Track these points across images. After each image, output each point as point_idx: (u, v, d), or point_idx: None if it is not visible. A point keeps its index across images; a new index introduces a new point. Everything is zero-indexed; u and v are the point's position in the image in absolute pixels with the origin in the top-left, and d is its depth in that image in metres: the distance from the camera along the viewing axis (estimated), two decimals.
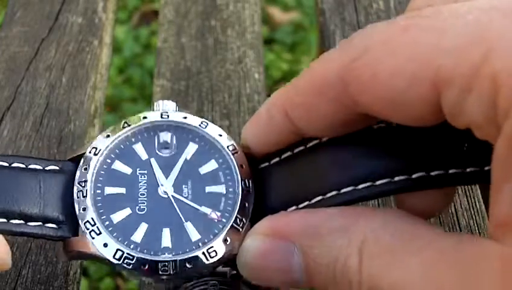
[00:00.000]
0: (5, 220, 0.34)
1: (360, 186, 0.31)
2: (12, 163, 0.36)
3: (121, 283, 1.05)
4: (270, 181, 0.35)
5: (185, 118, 0.37)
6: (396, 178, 0.30)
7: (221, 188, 0.36)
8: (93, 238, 0.34)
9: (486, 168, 0.30)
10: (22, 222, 0.35)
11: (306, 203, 0.32)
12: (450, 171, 0.30)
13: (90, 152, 0.36)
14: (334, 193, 0.31)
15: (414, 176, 0.30)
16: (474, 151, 0.30)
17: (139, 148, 0.37)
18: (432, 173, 0.30)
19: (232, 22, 0.63)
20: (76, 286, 0.45)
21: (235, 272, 0.42)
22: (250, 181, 0.35)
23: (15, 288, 0.44)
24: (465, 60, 0.25)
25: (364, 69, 0.28)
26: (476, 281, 0.24)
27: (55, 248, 0.46)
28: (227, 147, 0.36)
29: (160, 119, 0.37)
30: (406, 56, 0.27)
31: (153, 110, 0.38)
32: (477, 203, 0.47)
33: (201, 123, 0.37)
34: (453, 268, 0.25)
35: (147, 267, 0.34)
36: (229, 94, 0.57)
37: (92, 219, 0.34)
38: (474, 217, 0.46)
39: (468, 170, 0.30)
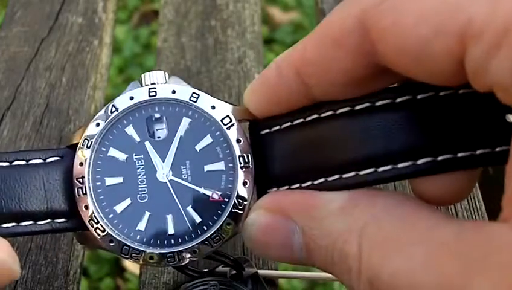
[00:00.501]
0: (14, 223, 0.35)
1: (363, 172, 0.30)
2: (13, 161, 0.36)
3: (121, 283, 1.05)
4: (272, 150, 0.34)
5: (174, 92, 0.36)
6: (400, 165, 0.30)
7: (220, 165, 0.35)
8: (98, 235, 0.34)
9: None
10: (31, 222, 0.35)
11: (309, 183, 0.32)
12: (478, 151, 0.29)
13: (83, 144, 0.35)
14: (336, 176, 0.31)
15: (420, 161, 0.29)
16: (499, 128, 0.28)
17: (131, 131, 0.36)
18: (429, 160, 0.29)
19: (232, 22, 0.63)
20: (76, 286, 0.45)
21: (235, 272, 0.42)
22: (250, 155, 0.34)
23: (15, 288, 0.44)
24: (498, 13, 0.24)
25: (387, 14, 0.26)
26: (482, 271, 0.23)
27: (55, 248, 0.46)
28: (222, 120, 0.35)
29: (148, 97, 0.35)
30: (434, 3, 0.25)
31: (141, 85, 0.36)
32: (477, 203, 0.47)
33: (192, 96, 0.36)
34: (457, 259, 0.24)
35: (154, 259, 0.34)
36: (229, 94, 0.57)
37: (95, 216, 0.34)
38: (474, 217, 0.46)
39: (497, 149, 0.29)
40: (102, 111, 0.36)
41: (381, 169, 0.30)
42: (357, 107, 0.31)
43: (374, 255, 0.27)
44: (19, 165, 0.35)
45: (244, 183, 0.34)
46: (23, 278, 0.44)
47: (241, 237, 0.46)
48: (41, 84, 0.57)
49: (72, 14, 0.63)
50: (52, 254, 0.46)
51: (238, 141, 0.35)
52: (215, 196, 0.35)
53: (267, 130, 0.34)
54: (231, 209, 0.34)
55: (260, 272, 0.43)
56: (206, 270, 0.42)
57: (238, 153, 0.35)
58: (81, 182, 0.35)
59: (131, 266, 1.03)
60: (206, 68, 0.59)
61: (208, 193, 0.35)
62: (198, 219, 0.35)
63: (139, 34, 1.40)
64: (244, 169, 0.34)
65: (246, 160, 0.34)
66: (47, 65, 0.59)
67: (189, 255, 0.34)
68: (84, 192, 0.35)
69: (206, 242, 0.34)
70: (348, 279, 0.28)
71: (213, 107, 0.35)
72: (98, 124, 0.35)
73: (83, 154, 0.35)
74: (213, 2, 0.65)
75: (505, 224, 0.24)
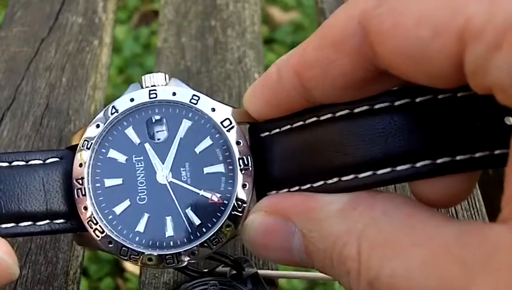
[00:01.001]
0: (14, 224, 0.35)
1: (362, 174, 0.30)
2: (12, 162, 0.36)
3: (121, 283, 1.05)
4: (271, 152, 0.34)
5: (174, 94, 0.36)
6: (399, 168, 0.30)
7: (220, 167, 0.35)
8: (97, 236, 0.34)
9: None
10: (30, 223, 0.35)
11: (309, 185, 0.32)
12: (477, 154, 0.29)
13: (83, 145, 0.35)
14: (335, 179, 0.31)
15: (419, 164, 0.29)
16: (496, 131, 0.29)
17: (131, 132, 0.36)
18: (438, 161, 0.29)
19: (232, 22, 0.63)
20: (76, 286, 0.45)
21: (235, 272, 0.42)
22: (249, 158, 0.35)
23: (15, 288, 0.44)
24: (497, 13, 0.23)
25: (386, 17, 0.26)
26: (482, 273, 0.23)
27: (55, 248, 0.46)
28: (222, 122, 0.35)
29: (148, 99, 0.36)
30: (433, 4, 0.25)
31: (142, 87, 0.36)
32: (477, 203, 0.47)
33: (192, 98, 0.36)
34: (457, 261, 0.24)
35: (153, 261, 0.34)
36: (229, 94, 0.57)
37: (94, 217, 0.34)
38: (474, 217, 0.46)
39: (496, 152, 0.29)
40: (102, 112, 0.36)
41: (380, 172, 0.30)
42: (356, 110, 0.31)
43: (373, 257, 0.27)
44: (18, 165, 0.35)
45: (244, 186, 0.34)
46: (23, 278, 0.44)
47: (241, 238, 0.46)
48: (41, 84, 0.57)
49: (72, 14, 0.63)
50: (52, 254, 0.46)
51: (237, 143, 0.35)
52: (215, 198, 0.35)
53: (267, 133, 0.34)
54: (230, 212, 0.34)
55: (260, 272, 0.43)
56: (206, 270, 0.42)
57: (237, 155, 0.35)
58: (81, 183, 0.35)
59: (131, 266, 1.03)
60: (206, 68, 0.59)
61: (208, 195, 0.35)
62: (197, 221, 0.35)
63: (139, 34, 1.40)
64: (243, 171, 0.34)
65: (246, 162, 0.35)
66: (47, 65, 0.59)
67: (188, 258, 0.34)
68: (83, 193, 0.35)
69: (205, 244, 0.34)
70: (347, 281, 0.28)
71: (213, 110, 0.35)
72: (98, 126, 0.36)
73: (83, 156, 0.35)
74: (213, 2, 0.65)
75: (504, 225, 0.24)
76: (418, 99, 0.30)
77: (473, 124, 0.29)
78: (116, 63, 1.32)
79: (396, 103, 0.30)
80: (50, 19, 0.63)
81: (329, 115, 0.32)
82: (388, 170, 0.30)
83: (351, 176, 0.30)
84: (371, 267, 0.27)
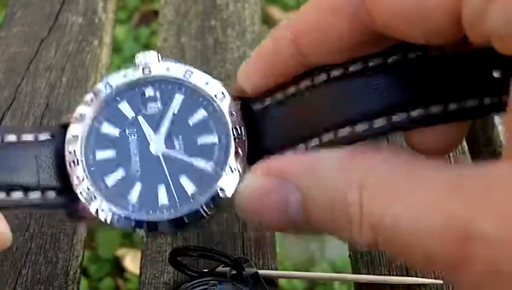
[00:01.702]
0: (5, 194, 0.34)
1: (357, 127, 0.31)
2: (4, 138, 0.35)
3: (121, 283, 1.05)
4: (264, 124, 0.34)
5: (168, 69, 0.36)
6: (394, 117, 0.30)
7: (213, 138, 0.35)
8: (89, 204, 0.34)
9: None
10: (21, 194, 0.35)
11: (303, 146, 0.32)
12: (468, 103, 0.30)
13: (76, 119, 0.35)
14: (331, 135, 0.31)
15: (413, 113, 0.30)
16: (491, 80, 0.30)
17: (124, 107, 0.36)
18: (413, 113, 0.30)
19: (232, 22, 0.63)
20: (76, 286, 0.45)
21: (235, 272, 0.42)
22: (243, 128, 0.35)
23: (15, 288, 0.44)
24: None
25: None
26: (486, 207, 0.23)
27: (55, 248, 0.46)
28: (215, 95, 0.36)
29: (142, 75, 0.36)
30: None
31: (135, 65, 0.37)
32: None
33: (186, 72, 0.36)
34: (459, 199, 0.24)
35: (145, 227, 0.34)
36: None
37: (87, 187, 0.34)
38: None
39: (486, 101, 0.30)
40: (95, 87, 0.36)
41: (375, 122, 0.31)
42: (351, 69, 0.32)
43: (375, 203, 0.27)
44: (11, 141, 0.35)
45: (237, 154, 0.35)
46: (23, 278, 0.44)
47: (241, 237, 0.46)
48: (41, 84, 0.57)
49: (72, 14, 0.63)
50: (52, 253, 0.46)
51: (231, 114, 0.35)
52: (209, 167, 0.35)
53: (260, 105, 0.35)
54: (224, 179, 0.34)
55: (260, 272, 0.43)
56: (206, 270, 0.42)
57: (231, 125, 0.35)
58: (74, 155, 0.35)
59: (131, 266, 1.03)
60: (206, 68, 0.59)
61: (201, 163, 0.35)
62: (191, 189, 0.35)
63: (139, 34, 1.40)
64: (237, 140, 0.35)
65: (239, 132, 0.35)
66: (47, 65, 0.59)
67: (182, 223, 0.34)
68: (76, 163, 0.35)
69: (200, 211, 0.34)
70: (348, 231, 0.28)
71: (207, 83, 0.36)
72: (91, 100, 0.36)
73: (76, 129, 0.35)
74: (213, 2, 0.65)
75: (505, 163, 0.25)
76: (409, 56, 0.31)
77: (463, 77, 0.31)
78: (116, 63, 1.32)
79: (389, 60, 0.31)
80: (50, 19, 0.63)
81: (323, 76, 0.32)
82: (384, 121, 0.31)
83: (347, 130, 0.31)
84: (373, 214, 0.26)
